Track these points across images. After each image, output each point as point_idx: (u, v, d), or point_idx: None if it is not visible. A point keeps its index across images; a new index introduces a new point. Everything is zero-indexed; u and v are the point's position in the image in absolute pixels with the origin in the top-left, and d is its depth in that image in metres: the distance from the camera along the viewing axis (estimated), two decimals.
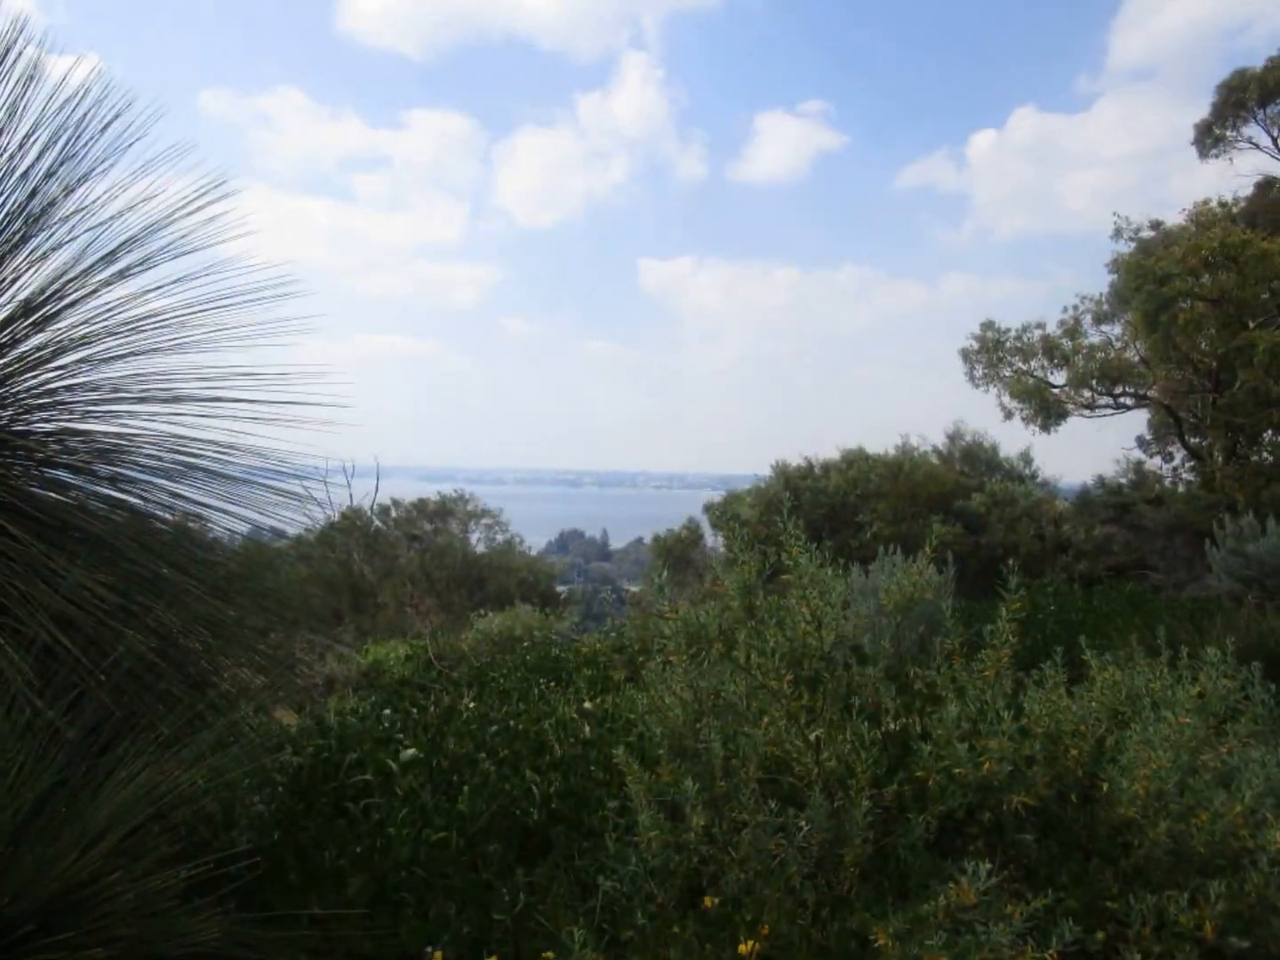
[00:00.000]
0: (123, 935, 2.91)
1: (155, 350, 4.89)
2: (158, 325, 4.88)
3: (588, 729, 5.90)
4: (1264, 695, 4.17)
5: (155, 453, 4.83)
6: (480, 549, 23.42)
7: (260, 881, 3.88)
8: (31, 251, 4.69)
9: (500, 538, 24.69)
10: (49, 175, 4.68)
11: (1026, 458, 23.07)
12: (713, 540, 23.16)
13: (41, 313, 4.68)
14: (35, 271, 4.71)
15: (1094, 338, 22.92)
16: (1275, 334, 17.53)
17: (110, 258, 4.81)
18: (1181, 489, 21.20)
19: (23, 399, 4.67)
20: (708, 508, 23.36)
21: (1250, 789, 3.53)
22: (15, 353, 4.65)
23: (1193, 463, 21.91)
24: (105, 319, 4.81)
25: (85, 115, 4.72)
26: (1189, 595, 14.18)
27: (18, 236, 4.63)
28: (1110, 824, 3.68)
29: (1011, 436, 33.87)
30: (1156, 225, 22.96)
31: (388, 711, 6.29)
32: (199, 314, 4.91)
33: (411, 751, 5.13)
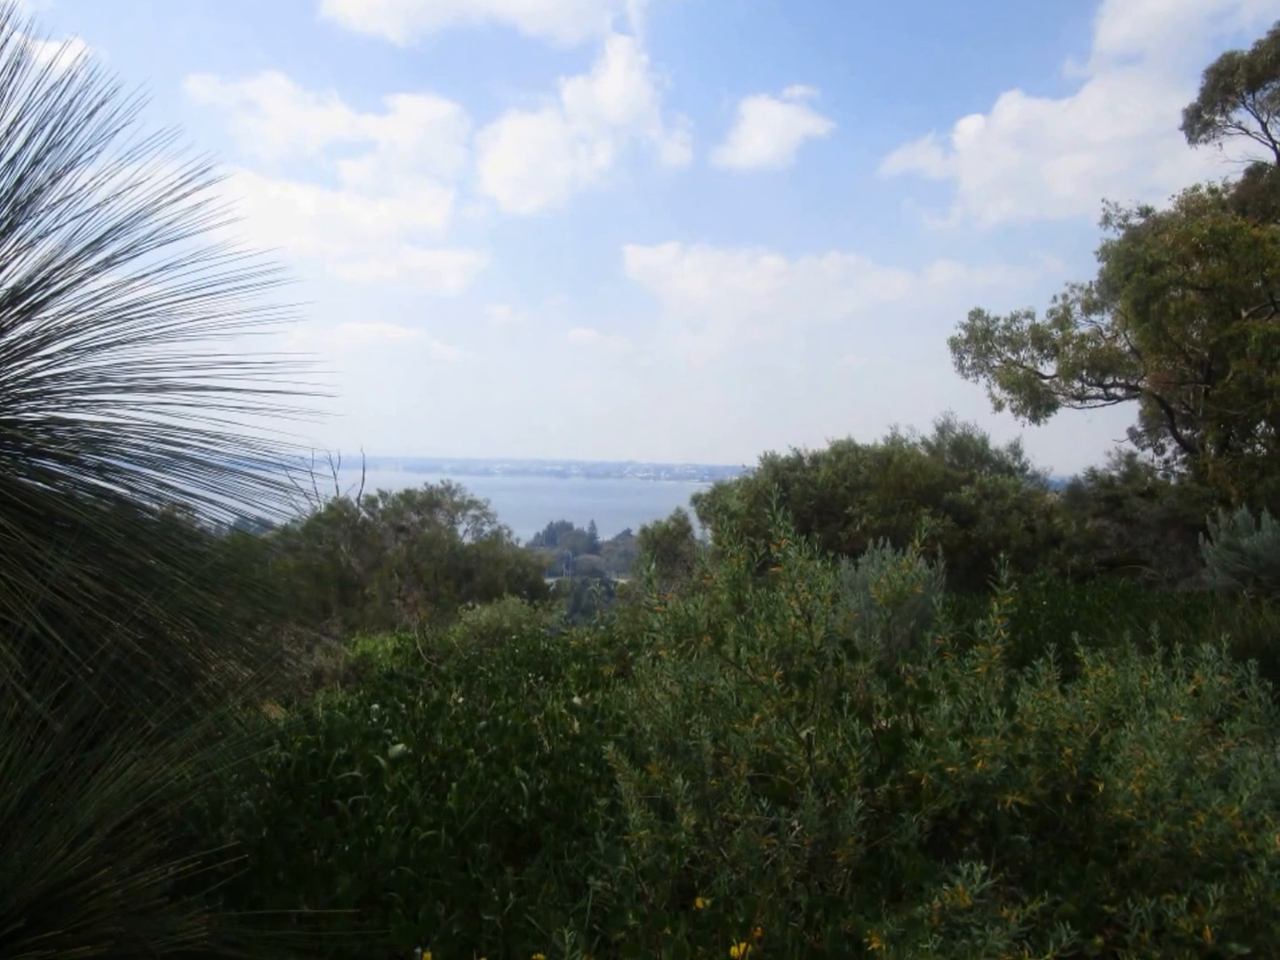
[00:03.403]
0: (110, 932, 2.91)
1: (142, 339, 4.89)
2: (144, 313, 4.87)
3: (577, 725, 5.91)
4: (1260, 693, 4.16)
5: (142, 442, 4.83)
6: (468, 540, 23.45)
7: (249, 879, 3.88)
8: (19, 239, 4.68)
9: (487, 529, 24.72)
10: (35, 162, 4.66)
11: (1016, 449, 23.11)
12: (701, 532, 23.15)
13: (28, 301, 4.67)
14: (22, 259, 4.71)
15: (1084, 327, 22.95)
16: (1268, 323, 17.47)
17: (96, 245, 4.81)
18: (1174, 481, 21.23)
19: (10, 388, 4.66)
20: (695, 499, 23.32)
21: (1248, 790, 3.52)
22: (2, 341, 4.64)
23: (1185, 455, 21.93)
24: (92, 307, 4.80)
25: (72, 101, 4.71)
26: (1183, 590, 14.21)
27: (4, 224, 4.62)
28: (1106, 825, 3.67)
29: (1002, 428, 34.01)
30: (1146, 212, 22.96)
31: (376, 706, 6.30)
32: (185, 302, 4.91)
33: (400, 747, 5.14)
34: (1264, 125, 22.37)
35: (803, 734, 3.76)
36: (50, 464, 4.69)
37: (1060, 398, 22.77)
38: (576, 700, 6.68)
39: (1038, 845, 3.72)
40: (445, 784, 4.85)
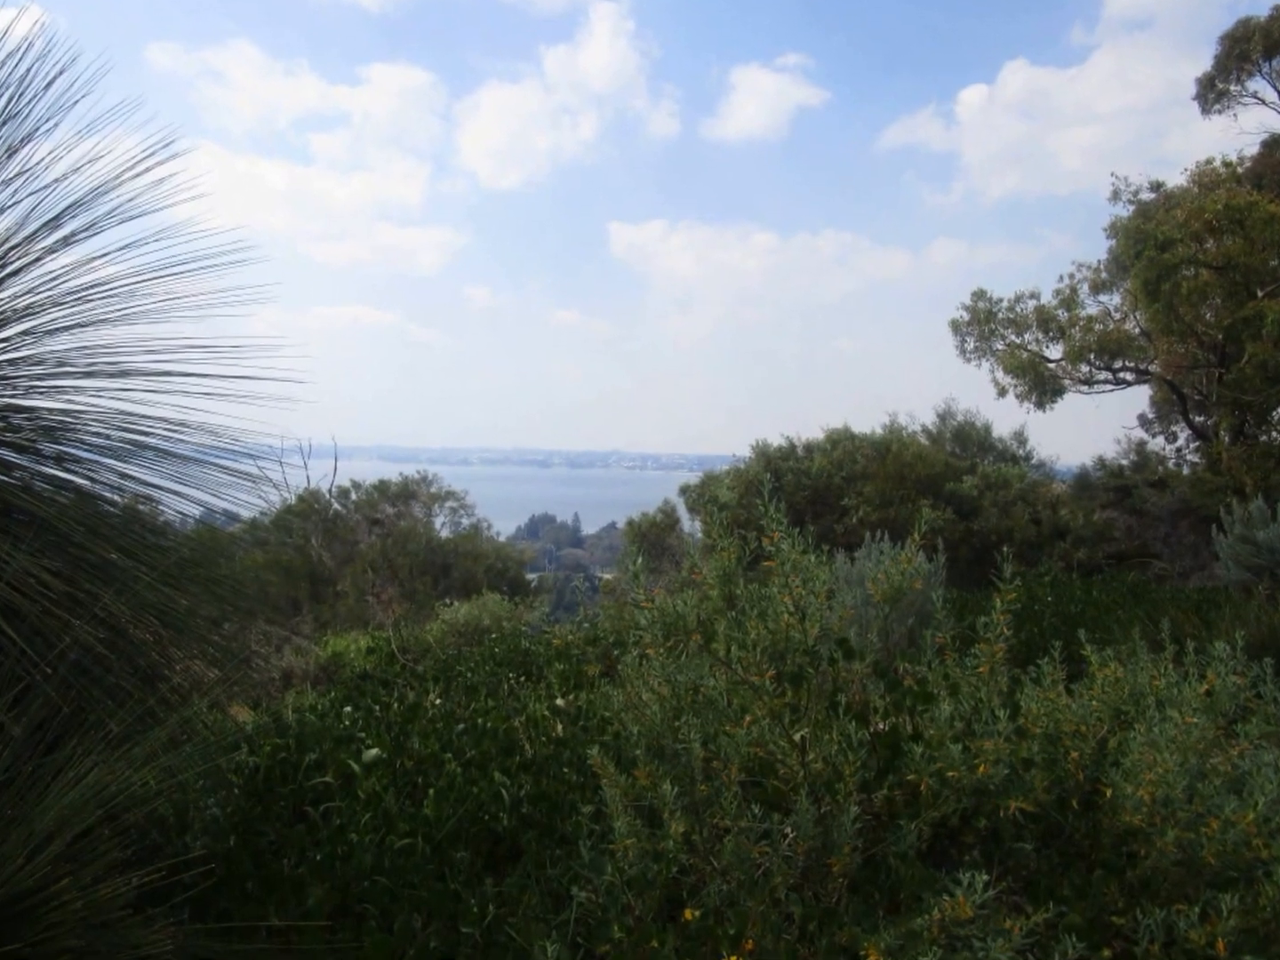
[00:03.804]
0: (71, 946, 2.91)
1: (102, 321, 4.86)
2: (105, 295, 4.85)
3: (560, 727, 5.91)
4: (1276, 693, 4.16)
5: (103, 430, 4.81)
6: (445, 534, 23.45)
7: (216, 889, 3.87)
8: None
9: (466, 522, 24.73)
10: None
11: (1021, 437, 23.14)
12: (689, 525, 23.22)
13: None
14: None
15: (1091, 308, 23.01)
16: None
17: (54, 223, 4.79)
18: (1186, 471, 21.26)
19: None
20: (684, 490, 23.37)
21: (1263, 795, 3.50)
22: None
23: (1198, 443, 21.97)
24: (49, 288, 4.78)
25: (29, 71, 4.68)
26: (1195, 585, 14.22)
27: None
28: (1114, 832, 3.68)
29: (1005, 415, 34.04)
30: (1157, 187, 22.99)
31: (348, 708, 6.30)
32: (148, 282, 4.88)
33: (374, 752, 5.14)
34: None
35: (796, 737, 3.76)
36: (7, 453, 4.67)
37: (1067, 382, 22.82)
38: (559, 702, 6.68)
39: (1042, 853, 3.73)
40: (422, 790, 4.85)
